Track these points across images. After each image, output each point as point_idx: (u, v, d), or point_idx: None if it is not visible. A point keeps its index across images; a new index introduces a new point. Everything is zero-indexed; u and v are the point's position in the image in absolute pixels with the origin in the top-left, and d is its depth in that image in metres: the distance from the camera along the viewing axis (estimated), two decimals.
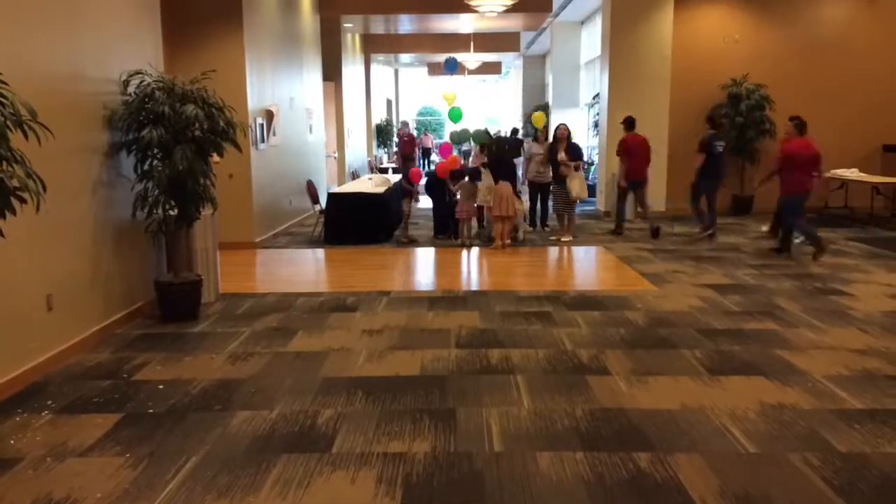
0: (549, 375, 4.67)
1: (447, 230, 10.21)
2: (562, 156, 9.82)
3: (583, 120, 19.30)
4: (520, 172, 10.84)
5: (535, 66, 24.65)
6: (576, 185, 9.70)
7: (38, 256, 4.68)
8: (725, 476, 3.31)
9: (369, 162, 19.34)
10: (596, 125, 15.79)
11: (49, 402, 4.24)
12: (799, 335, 5.49)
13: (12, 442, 3.72)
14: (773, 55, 12.26)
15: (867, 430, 3.79)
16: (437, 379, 4.62)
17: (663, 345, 5.27)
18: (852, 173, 11.54)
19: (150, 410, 4.14)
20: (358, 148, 18.75)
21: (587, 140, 17.05)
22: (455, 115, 12.18)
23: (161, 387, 4.50)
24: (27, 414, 4.08)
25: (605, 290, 7.01)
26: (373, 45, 20.48)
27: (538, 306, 6.42)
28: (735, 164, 12.18)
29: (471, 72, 24.14)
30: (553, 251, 9.33)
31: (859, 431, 3.78)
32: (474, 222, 10.15)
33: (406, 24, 17.39)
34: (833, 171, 11.78)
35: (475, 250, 9.42)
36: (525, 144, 12.65)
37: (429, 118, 35.92)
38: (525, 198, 10.54)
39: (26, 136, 3.57)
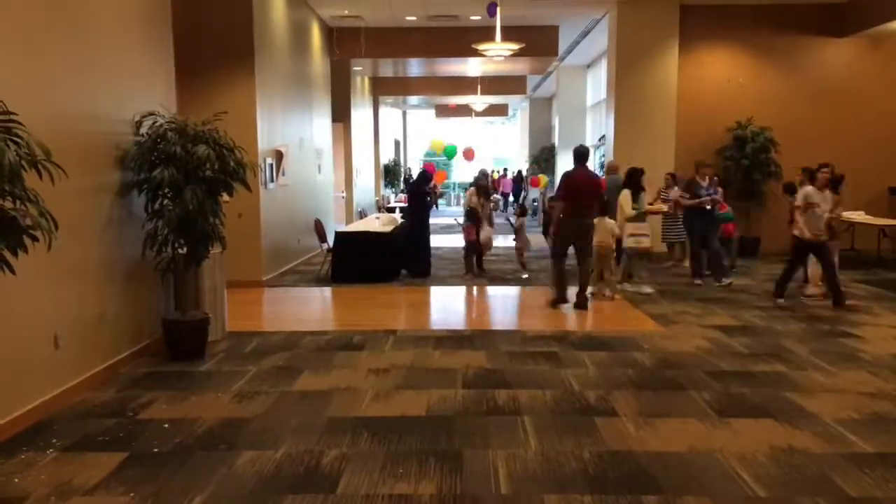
0: (557, 417, 4.64)
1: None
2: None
3: (589, 161, 19.39)
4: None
5: (541, 109, 24.95)
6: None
7: (47, 295, 4.71)
8: None
9: (377, 201, 19.49)
10: (602, 166, 15.89)
11: (54, 441, 4.23)
12: (808, 377, 5.44)
13: (17, 480, 3.71)
14: (778, 98, 12.37)
15: (878, 475, 3.74)
16: (444, 420, 4.59)
17: (671, 386, 5.24)
18: (859, 216, 11.55)
19: (156, 449, 4.12)
20: (366, 187, 18.92)
21: None
22: (450, 153, 12.51)
23: (167, 426, 4.49)
24: (32, 452, 4.07)
25: (611, 331, 6.98)
26: (381, 88, 20.80)
27: (545, 346, 6.40)
28: (742, 207, 12.22)
29: (478, 114, 24.41)
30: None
31: (870, 476, 3.73)
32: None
33: (414, 67, 17.68)
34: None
35: (480, 288, 9.44)
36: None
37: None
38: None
39: (40, 176, 3.62)
